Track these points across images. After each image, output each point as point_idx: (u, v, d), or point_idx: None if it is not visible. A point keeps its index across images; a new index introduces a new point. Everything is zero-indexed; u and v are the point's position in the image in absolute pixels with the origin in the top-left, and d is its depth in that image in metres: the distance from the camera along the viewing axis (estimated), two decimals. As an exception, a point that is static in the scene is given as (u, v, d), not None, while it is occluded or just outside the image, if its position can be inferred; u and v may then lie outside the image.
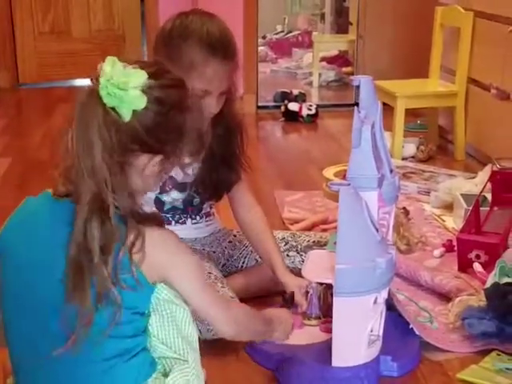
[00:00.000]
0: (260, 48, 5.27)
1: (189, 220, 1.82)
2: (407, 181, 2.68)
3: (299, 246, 1.88)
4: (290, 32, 5.66)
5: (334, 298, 1.41)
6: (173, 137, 1.10)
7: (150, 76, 1.06)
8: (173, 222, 1.80)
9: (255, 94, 3.85)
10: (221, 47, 1.60)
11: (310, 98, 4.16)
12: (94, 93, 1.04)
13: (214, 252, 1.86)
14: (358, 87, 1.63)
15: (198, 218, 1.83)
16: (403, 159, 3.01)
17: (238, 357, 1.59)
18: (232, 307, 1.28)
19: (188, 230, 1.82)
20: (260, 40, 5.49)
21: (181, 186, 1.77)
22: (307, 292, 1.68)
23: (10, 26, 4.26)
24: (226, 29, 1.65)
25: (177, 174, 1.75)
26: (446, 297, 1.83)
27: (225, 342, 1.57)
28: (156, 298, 1.14)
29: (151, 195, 1.76)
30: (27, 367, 1.13)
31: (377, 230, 1.44)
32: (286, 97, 3.80)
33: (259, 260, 1.86)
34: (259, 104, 3.88)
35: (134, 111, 1.04)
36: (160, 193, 1.76)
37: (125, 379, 1.11)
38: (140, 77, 1.04)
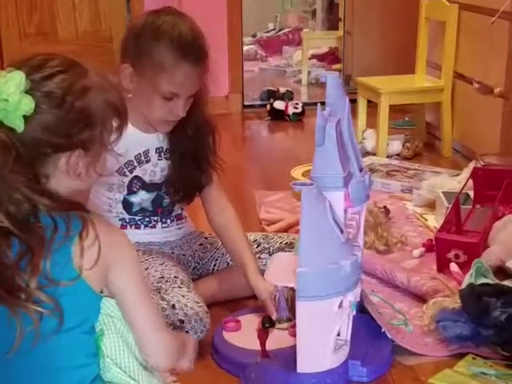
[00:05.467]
0: (250, 47, 5.25)
1: (159, 224, 1.77)
2: (390, 179, 2.63)
3: (271, 248, 1.83)
4: (282, 30, 5.62)
5: (297, 303, 1.36)
6: (82, 124, 1.01)
7: (30, 72, 0.98)
8: (142, 226, 1.76)
9: (241, 93, 3.80)
10: (192, 51, 1.56)
11: (298, 96, 4.11)
12: None
13: (184, 255, 1.81)
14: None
15: (168, 221, 1.79)
16: (388, 157, 2.96)
17: (203, 363, 1.55)
18: (169, 332, 1.18)
19: (158, 233, 1.78)
20: (250, 39, 5.47)
21: (149, 187, 1.73)
22: (276, 296, 1.64)
23: (-4, 28, 4.22)
24: (198, 30, 1.61)
25: (144, 174, 1.71)
26: (422, 298, 1.78)
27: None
28: (108, 315, 1.06)
29: (119, 196, 1.72)
30: None
31: (341, 232, 1.40)
32: (272, 95, 3.75)
33: (231, 263, 1.82)
34: (246, 103, 3.84)
35: (26, 117, 0.96)
36: (128, 194, 1.72)
37: None
38: (15, 79, 0.95)
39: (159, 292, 1.57)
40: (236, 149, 3.25)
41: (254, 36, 5.45)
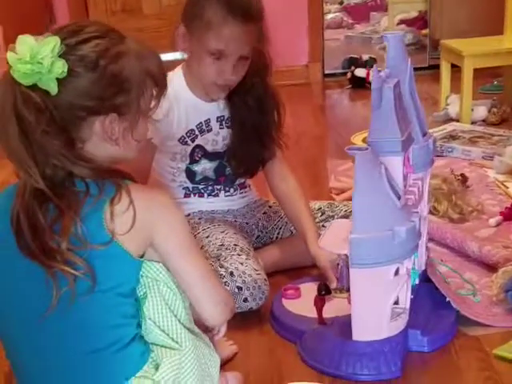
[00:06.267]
0: (335, 14, 5.12)
1: (222, 192, 1.78)
2: (472, 146, 2.52)
3: (335, 217, 1.80)
4: (370, -5, 5.46)
5: (350, 270, 1.34)
6: (115, 89, 1.02)
7: (66, 37, 1.00)
8: (205, 195, 1.77)
9: (321, 61, 3.74)
10: (240, 8, 1.53)
11: (383, 63, 3.99)
12: (7, 78, 0.98)
13: (247, 223, 1.81)
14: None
15: (231, 190, 1.79)
16: (473, 123, 2.83)
17: (261, 330, 1.55)
18: (222, 286, 1.18)
19: (221, 202, 1.79)
20: (337, 6, 5.35)
21: (211, 155, 1.74)
22: (338, 264, 1.61)
23: (84, 6, 4.35)
24: None
25: (206, 143, 1.72)
26: (493, 268, 1.70)
27: (248, 315, 1.55)
28: (153, 279, 1.07)
29: (182, 165, 1.73)
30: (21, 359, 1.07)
31: (398, 198, 1.35)
32: (354, 63, 3.67)
33: (294, 231, 1.80)
34: (327, 72, 3.77)
35: (60, 80, 0.98)
36: (190, 163, 1.73)
37: (111, 373, 1.03)
38: (50, 43, 0.97)
39: (219, 259, 1.59)
40: (314, 118, 3.22)
41: (340, 3, 5.32)
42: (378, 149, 1.38)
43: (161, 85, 1.10)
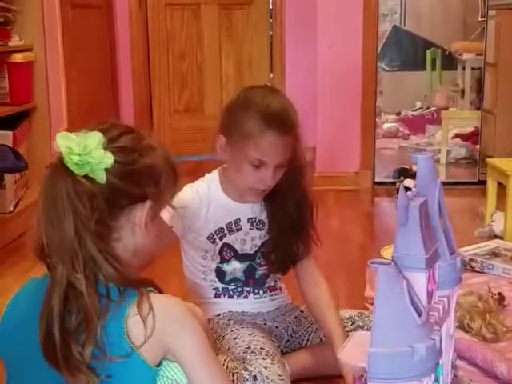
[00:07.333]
0: (391, 124, 5.27)
1: (251, 294, 1.82)
2: (514, 265, 2.50)
3: (365, 327, 1.81)
4: (428, 108, 5.60)
5: (368, 384, 1.34)
6: (151, 177, 1.12)
7: (104, 132, 1.09)
8: (235, 296, 1.81)
9: (371, 170, 3.83)
10: (277, 120, 1.62)
11: (434, 175, 4.04)
12: (59, 168, 1.05)
13: (277, 327, 1.83)
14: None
15: (261, 292, 1.83)
16: (518, 242, 2.82)
17: None
18: None
19: (251, 304, 1.82)
20: (394, 116, 5.50)
21: (241, 257, 1.79)
22: (363, 376, 1.61)
23: (149, 106, 4.60)
24: (288, 103, 1.68)
25: (234, 242, 1.77)
26: (523, 393, 1.67)
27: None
28: (173, 380, 1.09)
29: (212, 264, 1.79)
30: None
31: (419, 314, 1.37)
32: (404, 173, 3.74)
33: (324, 338, 1.82)
34: (378, 180, 3.85)
35: (106, 169, 1.06)
36: (221, 262, 1.79)
37: None
38: (96, 136, 1.06)
39: (244, 362, 1.61)
40: (361, 225, 3.26)
41: (398, 114, 5.47)
42: (401, 264, 1.41)
43: (177, 177, 1.20)
